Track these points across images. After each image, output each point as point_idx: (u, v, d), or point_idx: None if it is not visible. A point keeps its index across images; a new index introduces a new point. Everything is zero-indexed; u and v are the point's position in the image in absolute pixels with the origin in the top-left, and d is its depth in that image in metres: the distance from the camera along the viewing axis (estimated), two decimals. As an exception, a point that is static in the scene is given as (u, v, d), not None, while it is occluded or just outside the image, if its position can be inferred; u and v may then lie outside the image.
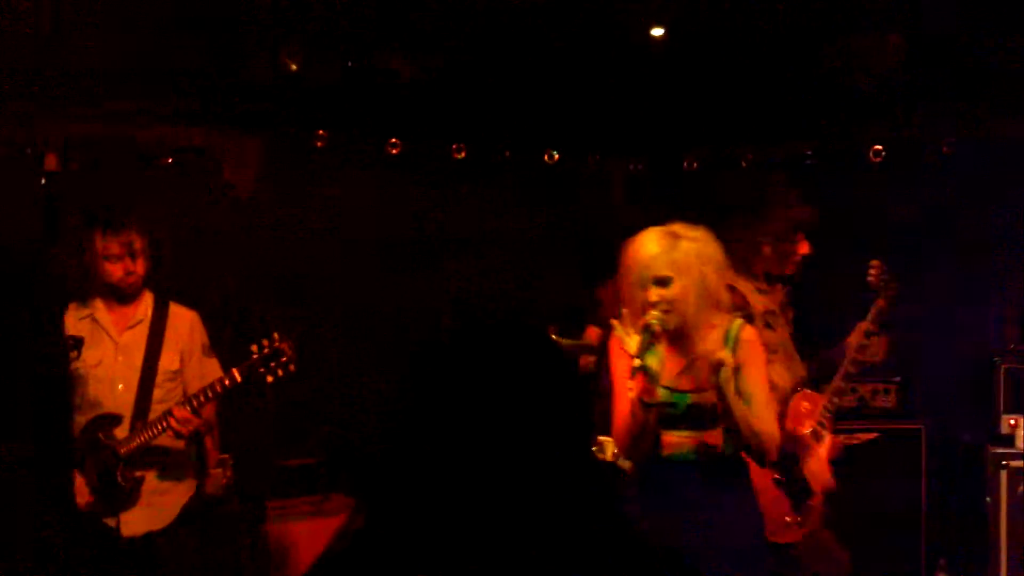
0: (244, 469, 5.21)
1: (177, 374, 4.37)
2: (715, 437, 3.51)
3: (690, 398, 3.50)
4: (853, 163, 6.31)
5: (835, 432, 5.24)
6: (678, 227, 3.51)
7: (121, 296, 4.34)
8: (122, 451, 4.19)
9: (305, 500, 5.84)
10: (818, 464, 4.36)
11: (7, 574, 3.89)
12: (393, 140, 6.57)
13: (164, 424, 4.19)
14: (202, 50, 5.50)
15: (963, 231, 6.02)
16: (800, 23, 5.68)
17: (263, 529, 5.53)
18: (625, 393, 3.47)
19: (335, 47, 5.93)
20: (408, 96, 6.28)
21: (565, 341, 5.77)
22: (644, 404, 3.38)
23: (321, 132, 6.43)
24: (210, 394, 4.21)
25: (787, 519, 4.18)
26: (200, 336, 4.49)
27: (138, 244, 4.30)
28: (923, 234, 6.19)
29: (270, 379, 4.23)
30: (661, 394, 3.46)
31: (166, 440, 4.25)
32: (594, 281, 6.09)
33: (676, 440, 3.52)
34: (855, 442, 5.33)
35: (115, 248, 4.26)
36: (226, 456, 4.99)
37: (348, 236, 6.41)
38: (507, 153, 6.88)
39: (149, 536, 4.26)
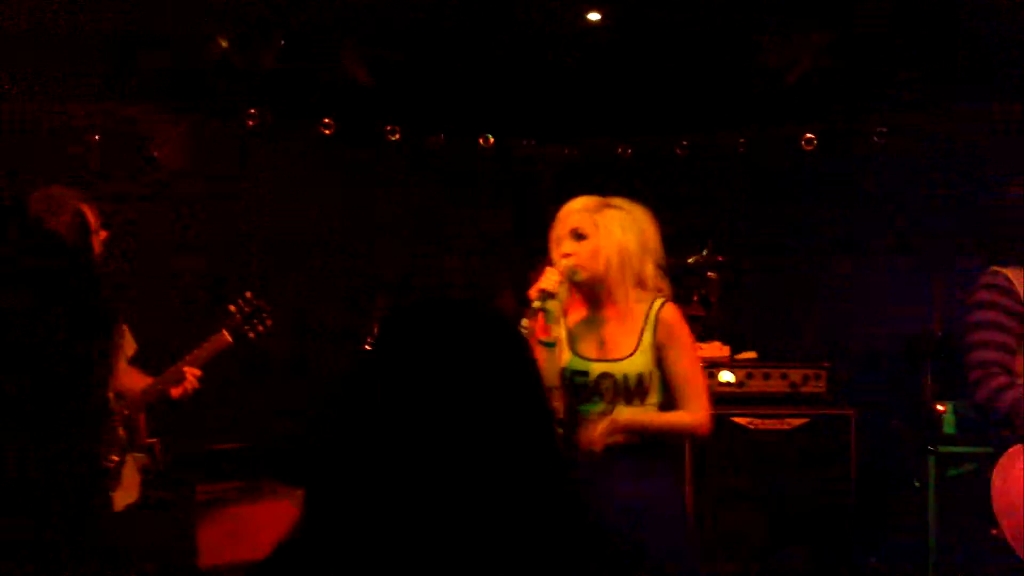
0: (174, 453, 5.11)
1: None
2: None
3: (601, 368, 3.41)
4: (787, 152, 6.38)
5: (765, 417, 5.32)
6: (615, 199, 3.46)
7: None
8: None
9: (235, 485, 5.76)
10: None
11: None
12: (326, 120, 6.50)
13: (163, 387, 4.21)
14: (133, 27, 5.39)
15: (894, 220, 6.11)
16: (735, 15, 5.73)
17: (192, 513, 5.45)
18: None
19: (270, 29, 5.85)
20: (343, 78, 6.22)
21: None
22: (542, 344, 3.34)
23: (253, 111, 6.33)
24: (208, 354, 4.27)
25: None
26: None
27: None
28: (855, 223, 6.27)
29: (252, 335, 4.39)
30: (567, 357, 3.42)
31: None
32: (529, 264, 6.08)
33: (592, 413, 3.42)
34: (786, 428, 5.41)
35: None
36: (155, 441, 4.89)
37: (282, 215, 6.34)
38: (441, 137, 6.84)
39: (127, 510, 4.18)
